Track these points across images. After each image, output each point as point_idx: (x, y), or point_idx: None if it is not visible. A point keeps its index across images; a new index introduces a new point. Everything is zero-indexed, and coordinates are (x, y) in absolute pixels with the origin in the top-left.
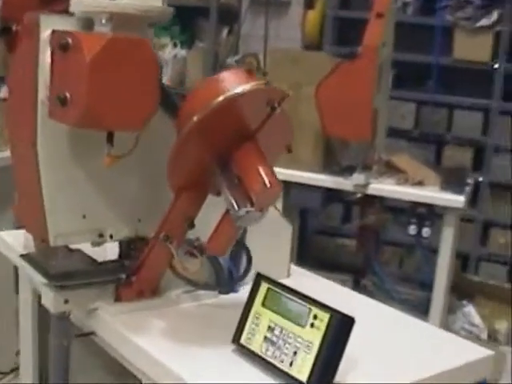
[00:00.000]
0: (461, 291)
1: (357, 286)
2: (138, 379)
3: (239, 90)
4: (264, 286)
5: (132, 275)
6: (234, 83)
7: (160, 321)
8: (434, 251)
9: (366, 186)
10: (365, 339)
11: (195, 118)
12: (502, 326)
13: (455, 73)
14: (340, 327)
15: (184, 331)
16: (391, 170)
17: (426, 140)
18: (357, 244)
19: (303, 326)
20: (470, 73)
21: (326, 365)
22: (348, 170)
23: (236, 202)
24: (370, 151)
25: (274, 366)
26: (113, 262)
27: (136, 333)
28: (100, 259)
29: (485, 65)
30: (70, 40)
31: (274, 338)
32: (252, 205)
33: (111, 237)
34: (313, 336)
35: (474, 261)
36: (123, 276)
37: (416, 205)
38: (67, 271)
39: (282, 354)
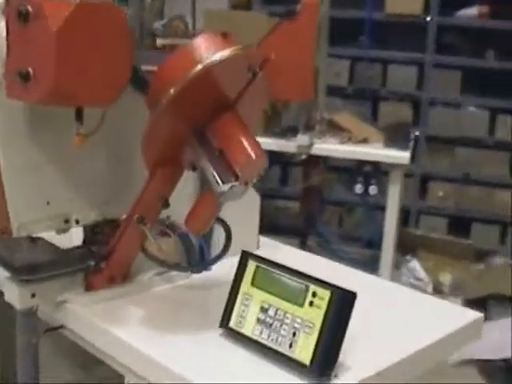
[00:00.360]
0: (404, 246)
1: (302, 249)
2: (110, 372)
3: (217, 57)
4: (252, 265)
5: (101, 261)
6: (210, 50)
7: (135, 308)
8: (378, 208)
9: (309, 146)
10: (362, 313)
11: (172, 91)
12: (445, 278)
13: (388, 27)
14: (342, 304)
15: (163, 317)
16: (334, 129)
17: (362, 96)
18: (300, 205)
19: (301, 305)
20: (403, 27)
21: (329, 345)
22: (290, 132)
23: (219, 176)
24: (312, 111)
25: (272, 350)
26: (78, 248)
27: (112, 323)
28: (63, 246)
29: (417, 18)
30: (30, 8)
31: (269, 320)
32: (236, 179)
33: (77, 222)
34: (313, 315)
35: (414, 215)
36: (92, 263)
37: (361, 163)
38: (33, 263)
39: (280, 336)
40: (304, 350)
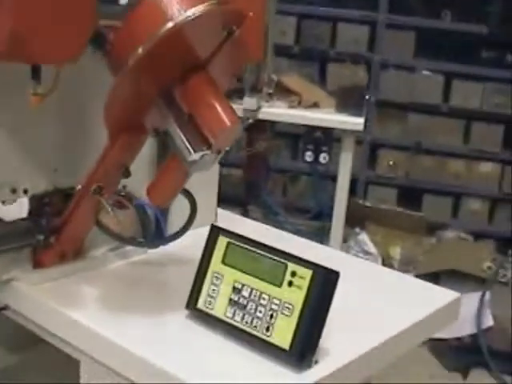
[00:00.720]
0: (352, 218)
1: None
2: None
3: (190, 13)
4: (223, 241)
5: (51, 235)
6: (181, 5)
7: (90, 287)
8: (328, 178)
9: (257, 110)
10: (342, 294)
11: (140, 50)
12: (395, 252)
13: None
14: (325, 285)
15: (121, 297)
16: (282, 92)
17: (309, 57)
18: (244, 173)
19: (279, 285)
20: None
21: (310, 328)
22: (235, 95)
23: (190, 144)
24: (260, 72)
25: (246, 333)
26: (24, 220)
27: (65, 303)
28: (7, 218)
29: None
30: None
31: (242, 300)
32: (209, 147)
33: (25, 192)
34: (293, 296)
35: (362, 185)
36: (41, 237)
37: (312, 129)
38: None
39: (255, 318)
40: (283, 334)
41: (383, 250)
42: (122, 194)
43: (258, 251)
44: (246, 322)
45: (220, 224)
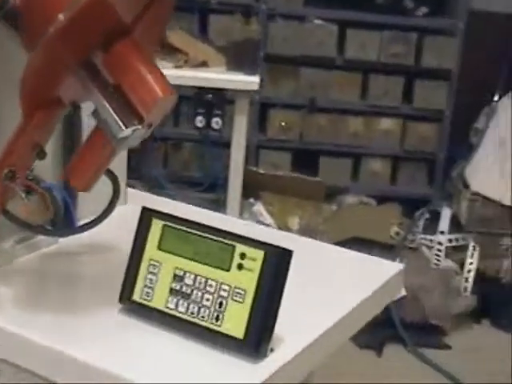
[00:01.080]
0: (245, 188)
1: None
2: None
3: None
4: (157, 224)
5: None
6: None
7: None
8: (219, 145)
9: None
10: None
11: (61, 18)
12: (293, 221)
13: None
14: (278, 266)
15: (39, 294)
16: (166, 50)
17: (186, 8)
18: None
19: (227, 270)
20: None
21: (265, 314)
22: None
23: (121, 119)
24: None
25: (194, 324)
26: None
27: None
28: None
29: None
30: None
31: (186, 289)
32: (140, 121)
33: None
34: (244, 280)
35: (253, 150)
36: None
37: (201, 91)
38: None
39: (202, 307)
40: (235, 322)
41: (280, 221)
42: (30, 177)
43: (201, 233)
44: (192, 313)
45: (130, 206)
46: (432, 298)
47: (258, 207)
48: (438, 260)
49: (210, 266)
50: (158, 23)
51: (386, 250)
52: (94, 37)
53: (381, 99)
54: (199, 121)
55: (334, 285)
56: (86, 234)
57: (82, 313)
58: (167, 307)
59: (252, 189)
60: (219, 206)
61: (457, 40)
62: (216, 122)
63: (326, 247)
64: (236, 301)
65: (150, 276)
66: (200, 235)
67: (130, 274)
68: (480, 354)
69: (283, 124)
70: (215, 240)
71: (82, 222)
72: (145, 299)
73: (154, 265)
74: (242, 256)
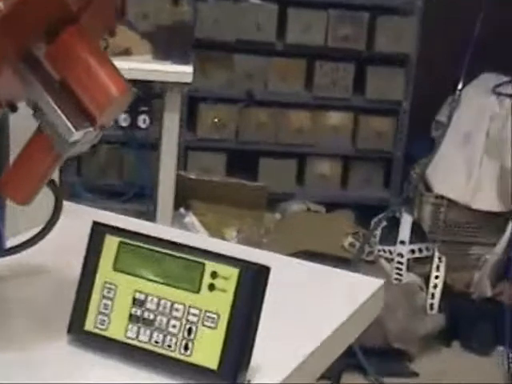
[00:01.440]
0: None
1: None
2: None
3: None
4: (112, 241)
5: None
6: None
7: None
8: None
9: None
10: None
11: (1, 6)
12: (231, 234)
13: None
14: (255, 284)
15: None
16: None
17: None
18: None
19: (196, 291)
20: None
21: (242, 340)
22: None
23: (70, 121)
24: None
25: (159, 355)
26: None
27: None
28: None
29: None
30: None
31: (148, 315)
32: (93, 122)
33: None
34: (216, 303)
35: (180, 151)
36: None
37: None
38: None
39: (168, 335)
40: (207, 351)
41: (216, 234)
42: None
43: (164, 250)
44: (157, 342)
45: (65, 219)
46: (395, 319)
47: (190, 219)
48: (400, 274)
49: (176, 287)
50: (107, 9)
51: (339, 264)
52: (37, 26)
53: (329, 90)
54: (123, 119)
55: (308, 305)
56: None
57: (24, 346)
58: (127, 337)
59: (182, 197)
60: (147, 219)
61: (414, 20)
62: (143, 120)
63: (291, 262)
64: (208, 326)
65: (104, 301)
66: (163, 252)
67: (80, 299)
68: (450, 380)
69: (216, 121)
70: (181, 257)
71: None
72: (100, 328)
73: (110, 288)
74: (214, 275)
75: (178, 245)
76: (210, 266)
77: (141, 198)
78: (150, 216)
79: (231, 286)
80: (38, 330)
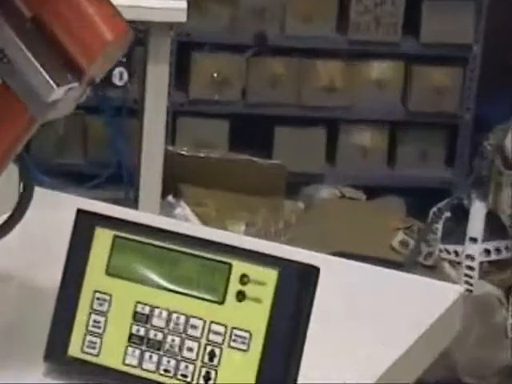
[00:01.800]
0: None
1: None
2: None
3: None
4: (104, 235)
5: None
6: None
7: None
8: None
9: None
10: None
11: None
12: (238, 229)
13: None
14: (300, 291)
15: None
16: None
17: None
18: None
19: (220, 302)
20: None
21: (282, 366)
22: None
23: (49, 74)
24: None
25: None
26: None
27: None
28: None
29: None
30: None
31: (154, 334)
32: (80, 75)
33: None
34: (247, 317)
35: (169, 116)
36: None
37: None
38: None
39: (182, 361)
40: (236, 382)
41: (223, 224)
42: None
43: (175, 247)
44: (167, 371)
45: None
46: (465, 345)
47: (182, 209)
48: (470, 283)
49: (193, 296)
50: None
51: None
52: None
53: (369, 32)
54: None
55: (370, 316)
56: None
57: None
58: (126, 364)
59: (169, 181)
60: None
61: None
62: (118, 75)
63: (348, 264)
64: (236, 348)
65: (94, 316)
66: (174, 250)
67: (61, 314)
68: None
69: (215, 75)
70: (199, 256)
71: None
72: (89, 353)
73: (102, 298)
74: (243, 279)
75: (194, 239)
76: (239, 266)
77: (115, 183)
78: (129, 206)
79: (268, 294)
80: (2, 358)
